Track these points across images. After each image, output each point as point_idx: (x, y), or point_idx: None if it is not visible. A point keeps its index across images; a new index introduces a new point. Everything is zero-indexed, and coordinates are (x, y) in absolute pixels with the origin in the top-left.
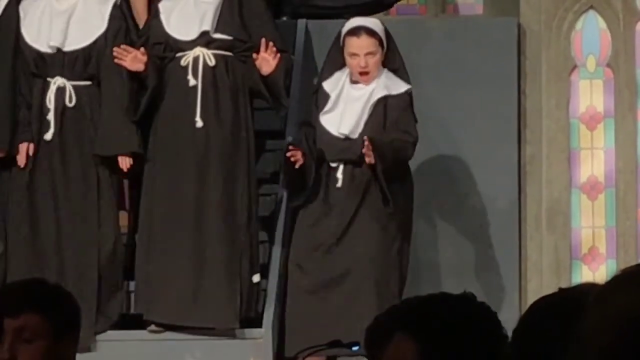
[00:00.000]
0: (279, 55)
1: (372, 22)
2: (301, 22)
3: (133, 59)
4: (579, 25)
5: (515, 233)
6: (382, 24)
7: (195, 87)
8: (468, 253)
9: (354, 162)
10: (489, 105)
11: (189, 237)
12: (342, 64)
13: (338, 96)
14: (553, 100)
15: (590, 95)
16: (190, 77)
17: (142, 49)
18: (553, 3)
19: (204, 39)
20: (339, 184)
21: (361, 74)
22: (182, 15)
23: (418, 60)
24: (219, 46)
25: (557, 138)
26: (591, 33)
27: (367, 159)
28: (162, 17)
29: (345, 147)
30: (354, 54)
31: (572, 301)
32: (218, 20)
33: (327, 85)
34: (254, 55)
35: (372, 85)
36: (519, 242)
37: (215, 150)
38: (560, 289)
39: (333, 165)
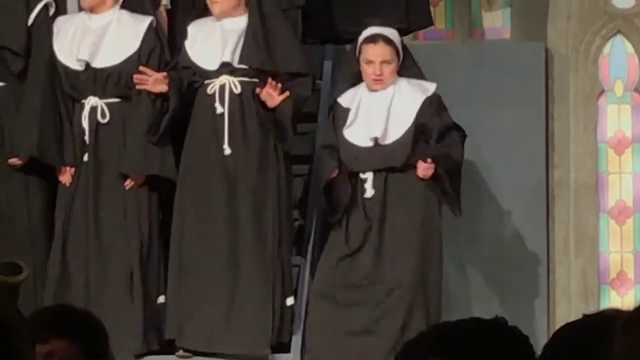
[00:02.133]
0: (287, 93)
1: (389, 31)
2: (329, 47)
3: (155, 82)
4: (606, 49)
5: (544, 258)
6: (399, 35)
7: (222, 114)
8: (496, 278)
9: (387, 170)
10: (517, 129)
11: (220, 263)
12: (356, 78)
13: (357, 108)
14: (581, 125)
15: (618, 119)
16: (217, 104)
17: (163, 73)
18: (581, 27)
19: (227, 68)
20: (368, 194)
21: (375, 81)
22: (207, 43)
23: (446, 85)
24: (244, 74)
25: (585, 162)
26: (619, 58)
27: (423, 174)
28: (187, 44)
29: (375, 154)
30: (370, 61)
31: (596, 328)
32: (242, 49)
33: (343, 100)
34: (257, 90)
35: (391, 91)
36: (547, 267)
37: (243, 177)
38: (585, 316)
39: (363, 177)
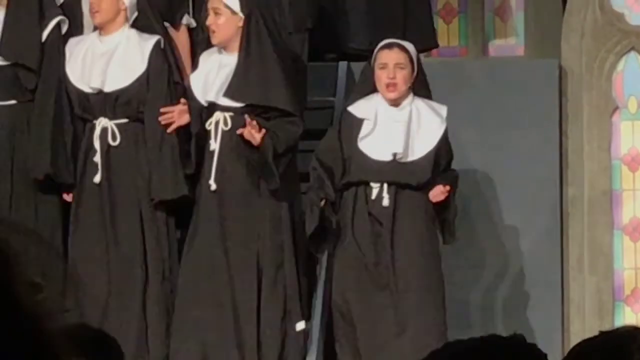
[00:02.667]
0: (263, 130)
1: (405, 42)
2: (342, 64)
3: (180, 114)
4: (620, 66)
5: (558, 275)
6: (416, 50)
7: (213, 151)
8: (510, 294)
9: (398, 184)
10: (531, 146)
11: (215, 293)
12: (369, 90)
13: (375, 120)
14: (595, 142)
15: (632, 136)
16: (212, 140)
17: (182, 99)
18: (594, 44)
19: (218, 105)
20: (385, 203)
21: (388, 85)
22: (205, 78)
23: (459, 102)
24: (234, 110)
25: (599, 179)
26: (632, 74)
27: (436, 195)
28: (192, 76)
29: (392, 169)
30: (384, 65)
31: (613, 345)
32: (229, 85)
33: (355, 110)
34: (238, 130)
35: (408, 107)
36: (561, 284)
37: (230, 212)
38: (601, 332)
39: (374, 185)
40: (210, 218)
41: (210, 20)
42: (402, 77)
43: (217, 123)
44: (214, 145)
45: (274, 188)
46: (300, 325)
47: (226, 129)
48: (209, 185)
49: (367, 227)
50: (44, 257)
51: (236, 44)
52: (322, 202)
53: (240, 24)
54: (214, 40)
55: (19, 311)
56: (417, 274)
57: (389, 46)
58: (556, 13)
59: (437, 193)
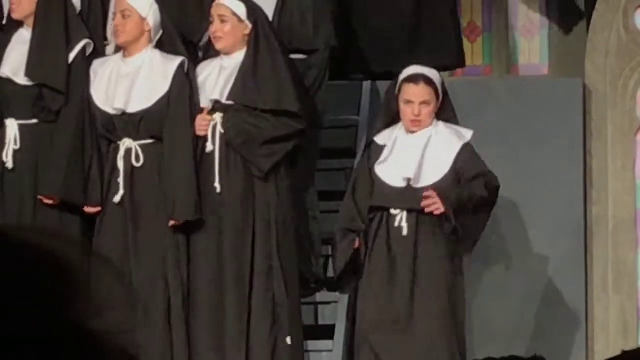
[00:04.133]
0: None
1: (431, 71)
2: (367, 84)
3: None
4: None
5: (582, 294)
6: (440, 75)
7: (212, 153)
8: (534, 314)
9: (418, 211)
10: (555, 165)
11: (211, 305)
12: (394, 117)
13: (393, 146)
14: (619, 161)
15: None
16: (209, 143)
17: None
18: (618, 63)
19: (218, 106)
20: (405, 232)
21: (413, 122)
22: (205, 82)
23: (483, 121)
24: (235, 110)
25: (623, 198)
26: None
27: (434, 210)
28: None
29: (407, 195)
30: (409, 101)
31: None
32: (232, 86)
33: (379, 139)
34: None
35: (428, 133)
36: (585, 303)
37: (230, 215)
38: (624, 352)
39: (394, 212)
40: (211, 221)
41: (215, 28)
42: (427, 113)
43: (214, 125)
44: (211, 147)
45: (256, 174)
46: (289, 340)
47: (223, 131)
48: (215, 188)
49: (385, 257)
50: (106, 276)
51: (238, 47)
52: (356, 244)
53: (247, 32)
54: (218, 45)
55: (78, 332)
56: (437, 307)
57: (415, 80)
58: (580, 32)
59: (427, 204)
